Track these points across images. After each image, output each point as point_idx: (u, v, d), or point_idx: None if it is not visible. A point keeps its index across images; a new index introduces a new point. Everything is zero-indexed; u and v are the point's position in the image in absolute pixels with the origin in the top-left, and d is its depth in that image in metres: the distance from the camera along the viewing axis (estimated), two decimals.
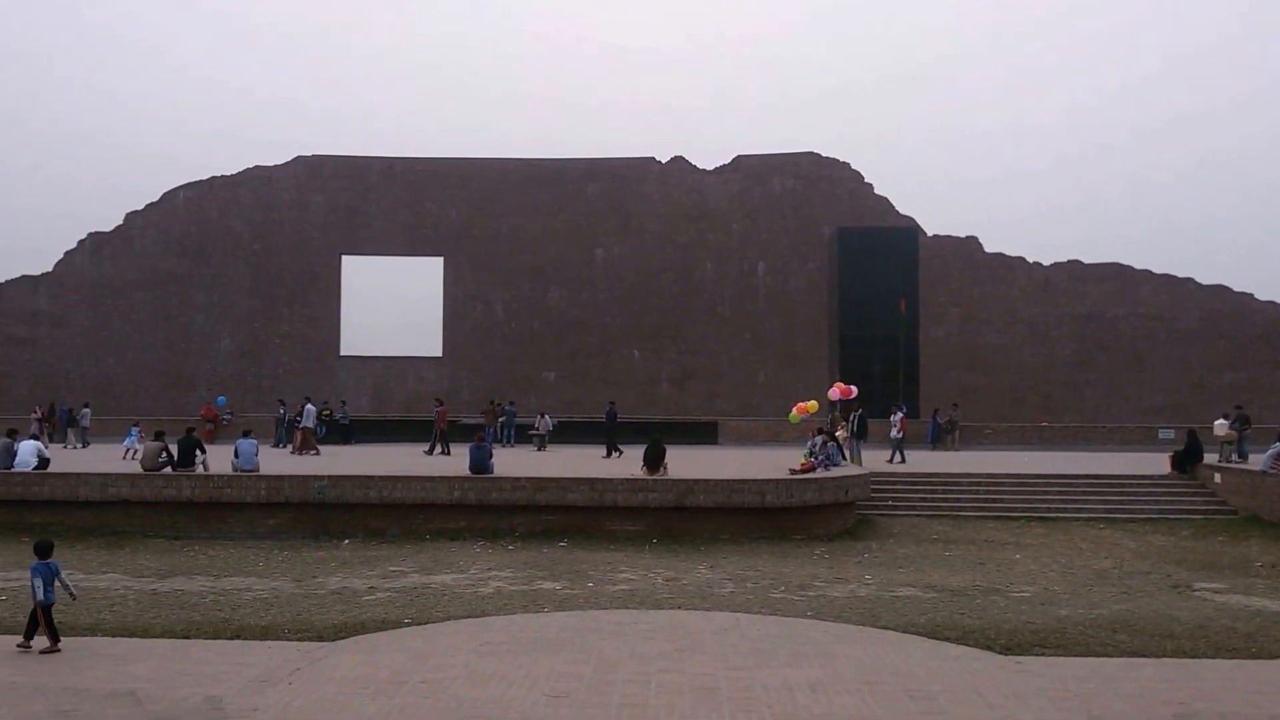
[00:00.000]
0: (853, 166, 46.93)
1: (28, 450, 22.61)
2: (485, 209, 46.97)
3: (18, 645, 10.33)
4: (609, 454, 29.94)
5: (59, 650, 10.31)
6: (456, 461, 24.29)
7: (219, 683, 9.29)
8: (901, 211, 46.39)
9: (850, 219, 45.89)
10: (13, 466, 22.14)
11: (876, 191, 46.67)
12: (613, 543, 19.64)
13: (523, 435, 36.69)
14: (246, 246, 46.34)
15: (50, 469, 22.39)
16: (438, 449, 31.59)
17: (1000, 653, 11.15)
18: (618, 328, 46.60)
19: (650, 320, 46.51)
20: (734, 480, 21.16)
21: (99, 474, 21.77)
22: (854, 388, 30.38)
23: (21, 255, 78.39)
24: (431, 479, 21.38)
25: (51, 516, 20.87)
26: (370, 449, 34.41)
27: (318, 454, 30.74)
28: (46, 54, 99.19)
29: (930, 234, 45.95)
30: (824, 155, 47.10)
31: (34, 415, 35.87)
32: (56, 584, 10.47)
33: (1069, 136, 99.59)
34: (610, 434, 30.72)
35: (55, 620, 10.62)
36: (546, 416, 36.40)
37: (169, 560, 18.00)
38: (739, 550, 18.96)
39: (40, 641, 10.39)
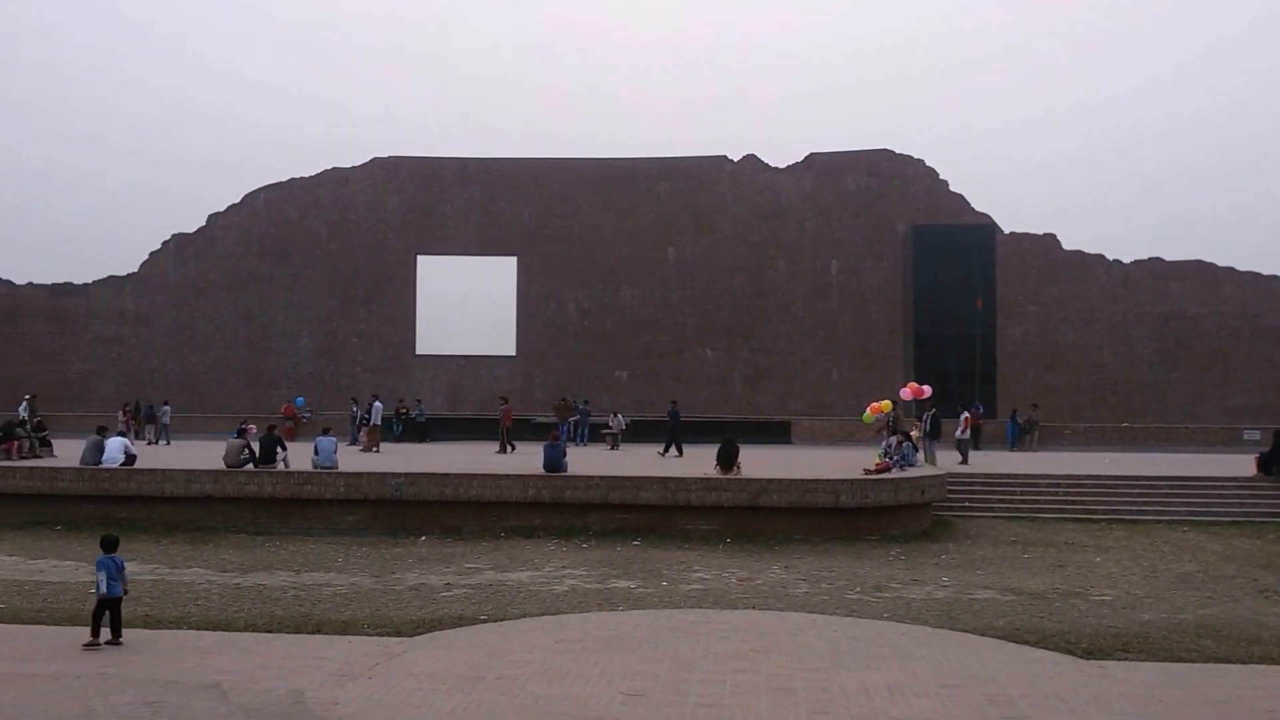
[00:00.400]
0: (927, 163, 46.25)
1: (115, 447, 23.29)
2: (558, 209, 47.23)
3: (84, 645, 10.42)
4: (665, 452, 29.96)
5: (120, 644, 10.46)
6: (530, 459, 24.44)
7: (301, 676, 9.47)
8: (978, 209, 45.62)
9: (925, 216, 45.25)
10: (101, 462, 22.84)
11: (952, 188, 45.96)
12: (686, 542, 19.62)
13: (596, 434, 36.85)
14: (324, 247, 47.20)
15: (136, 465, 23.05)
16: (508, 448, 31.88)
17: (1082, 657, 10.93)
18: (690, 327, 46.54)
19: (723, 319, 46.37)
20: (808, 480, 21.01)
21: (183, 470, 22.33)
22: (927, 387, 29.95)
23: (109, 257, 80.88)
24: (506, 477, 21.55)
25: (138, 511, 21.46)
26: (445, 446, 34.81)
27: (378, 452, 31.16)
28: (131, 71, 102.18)
29: (1007, 231, 45.12)
30: (897, 152, 46.49)
31: (121, 413, 36.92)
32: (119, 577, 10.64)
33: (1140, 116, 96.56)
34: (672, 433, 30.69)
35: (123, 614, 10.83)
36: (620, 415, 36.47)
37: (251, 555, 18.41)
38: (813, 551, 18.81)
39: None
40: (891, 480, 21.32)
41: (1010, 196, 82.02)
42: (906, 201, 45.74)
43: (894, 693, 9.08)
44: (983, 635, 11.88)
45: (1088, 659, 10.83)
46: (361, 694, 8.97)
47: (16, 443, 26.16)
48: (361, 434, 33.54)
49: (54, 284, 47.67)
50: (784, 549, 18.96)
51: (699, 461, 25.04)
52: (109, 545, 10.87)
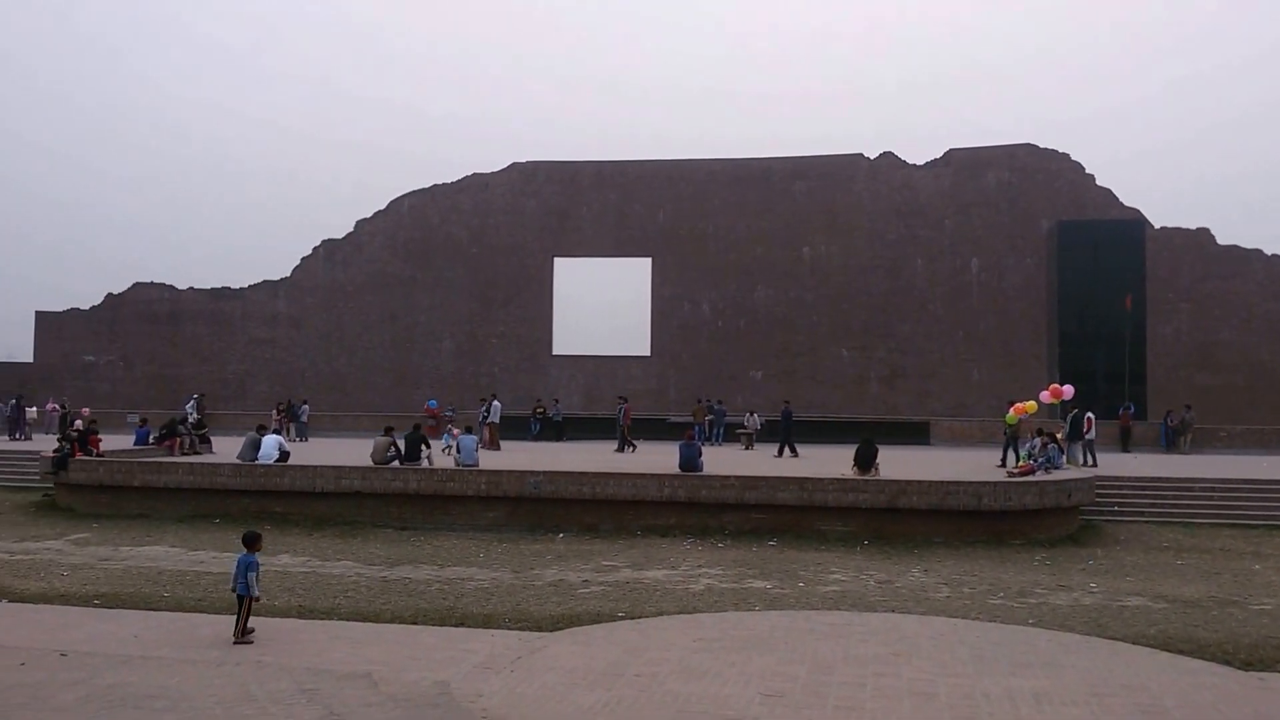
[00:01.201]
0: (1072, 157, 44.66)
1: (270, 444, 24.41)
2: (692, 210, 47.37)
3: (234, 641, 10.73)
4: (780, 453, 29.74)
5: (249, 642, 10.68)
6: (658, 458, 24.58)
7: (446, 667, 9.77)
8: (1126, 204, 43.80)
9: (1071, 212, 43.66)
10: (257, 459, 23.96)
11: (1099, 183, 44.26)
12: (823, 543, 19.44)
13: (730, 434, 36.83)
14: (465, 250, 48.44)
15: (289, 462, 24.11)
16: (628, 447, 32.17)
17: (1240, 668, 10.44)
18: (825, 326, 46.04)
19: (859, 318, 45.73)
20: (948, 482, 20.54)
21: (333, 466, 23.21)
22: (1068, 388, 28.91)
23: (264, 262, 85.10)
24: (642, 476, 21.73)
25: (290, 506, 22.42)
26: (578, 445, 35.28)
27: (498, 449, 31.69)
28: (278, 102, 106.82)
29: (1158, 226, 43.18)
30: (1041, 146, 45.03)
31: (275, 411, 38.65)
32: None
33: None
34: (785, 434, 30.42)
35: (278, 604, 11.20)
36: (755, 415, 36.35)
37: (397, 549, 19.03)
38: (954, 554, 18.40)
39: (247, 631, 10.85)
40: (1036, 483, 20.68)
41: (1162, 190, 78.46)
42: (1051, 197, 44.26)
43: (1041, 700, 8.83)
44: (1134, 643, 11.44)
45: (1246, 670, 10.34)
46: (504, 686, 9.20)
47: (178, 440, 27.69)
48: (484, 432, 34.31)
49: (213, 288, 50.25)
50: (923, 552, 18.60)
51: (830, 462, 24.77)
52: (248, 543, 11.11)
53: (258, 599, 11.09)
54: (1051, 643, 11.11)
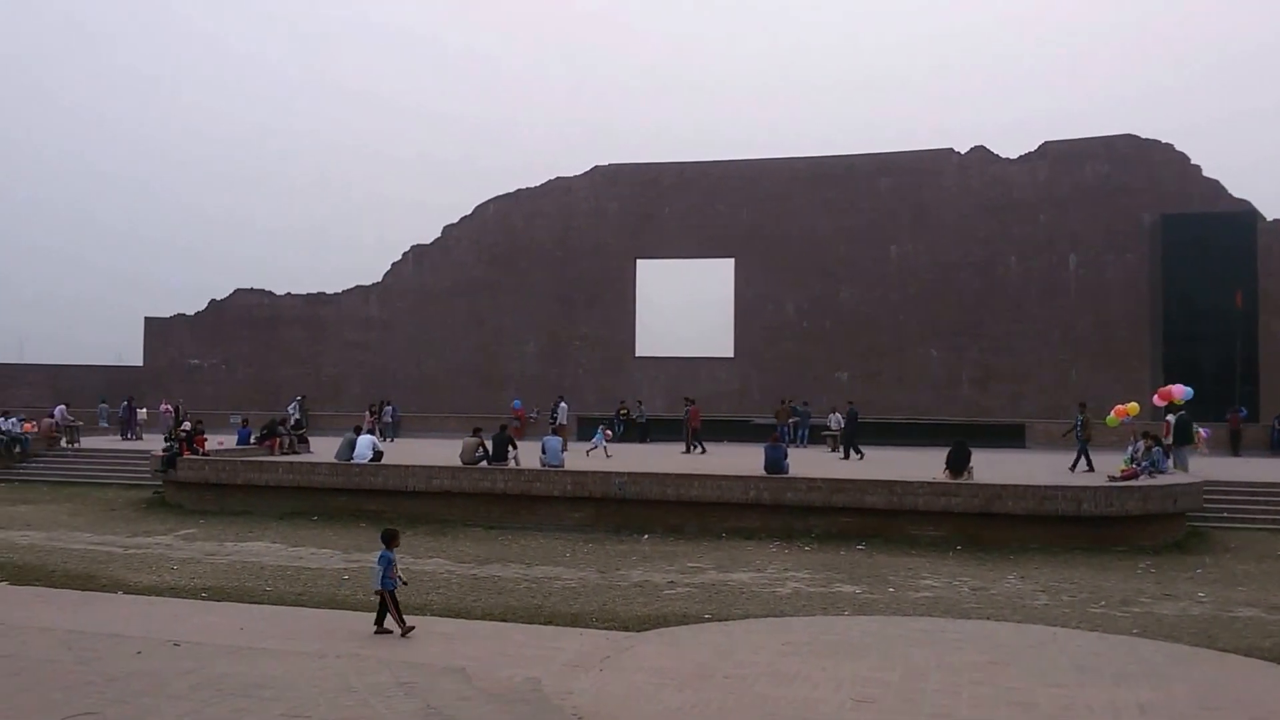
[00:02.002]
0: (1176, 148, 43.15)
1: (364, 444, 24.89)
2: (775, 209, 46.95)
3: (374, 631, 11.17)
4: (846, 455, 29.33)
5: (405, 636, 11.02)
6: (749, 460, 24.39)
7: (536, 665, 9.79)
8: (1235, 195, 42.18)
9: (1175, 205, 42.18)
10: (353, 458, 24.43)
11: (1205, 174, 42.68)
12: (913, 547, 19.08)
13: (815, 435, 36.39)
14: (549, 254, 48.75)
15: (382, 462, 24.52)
16: (694, 448, 31.90)
17: None
18: (913, 326, 45.23)
19: (948, 318, 44.82)
20: (1046, 486, 20.02)
21: (424, 466, 23.56)
22: (1179, 388, 27.92)
23: (357, 269, 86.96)
24: (727, 478, 21.60)
25: (384, 504, 22.83)
26: (663, 447, 35.23)
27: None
28: (367, 124, 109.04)
29: (1270, 218, 41.50)
30: (1142, 136, 43.59)
31: (368, 412, 39.39)
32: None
33: None
34: (850, 436, 29.92)
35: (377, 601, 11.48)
36: (839, 415, 35.88)
37: (485, 548, 19.21)
38: (1051, 561, 17.89)
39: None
40: (1140, 488, 20.03)
41: (1275, 181, 75.14)
42: (1153, 189, 42.78)
43: (1146, 713, 8.50)
44: (1246, 655, 10.96)
45: None
46: (594, 685, 9.18)
47: (278, 440, 28.39)
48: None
49: (309, 294, 51.44)
50: (1019, 558, 18.13)
51: (917, 465, 24.30)
52: (387, 540, 11.44)
53: (405, 583, 11.68)
54: (1157, 653, 10.70)
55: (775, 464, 22.20)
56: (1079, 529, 19.21)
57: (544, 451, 24.34)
